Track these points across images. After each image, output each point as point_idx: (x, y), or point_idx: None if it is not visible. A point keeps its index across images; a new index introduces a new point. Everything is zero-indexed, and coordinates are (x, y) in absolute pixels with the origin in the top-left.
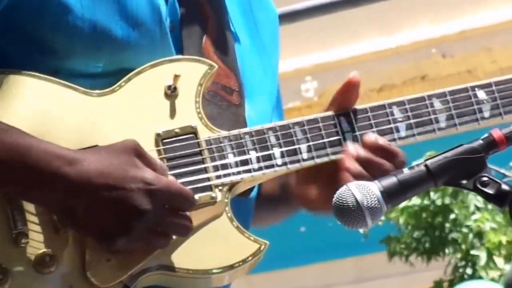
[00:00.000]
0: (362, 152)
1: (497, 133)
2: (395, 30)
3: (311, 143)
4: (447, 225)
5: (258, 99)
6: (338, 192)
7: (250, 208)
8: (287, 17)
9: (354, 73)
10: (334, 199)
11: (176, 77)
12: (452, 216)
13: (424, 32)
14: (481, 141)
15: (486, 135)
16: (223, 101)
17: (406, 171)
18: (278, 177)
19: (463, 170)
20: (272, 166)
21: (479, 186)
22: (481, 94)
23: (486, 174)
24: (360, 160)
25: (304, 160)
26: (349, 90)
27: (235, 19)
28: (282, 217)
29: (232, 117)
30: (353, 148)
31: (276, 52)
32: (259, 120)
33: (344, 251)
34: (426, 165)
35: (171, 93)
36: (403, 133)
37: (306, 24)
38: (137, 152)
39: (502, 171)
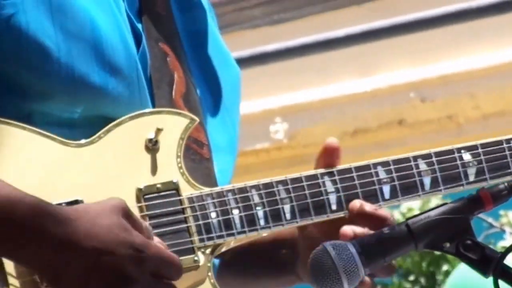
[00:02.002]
0: (359, 230)
1: (483, 193)
2: (371, 72)
3: (294, 203)
4: (439, 277)
5: (223, 154)
6: (313, 252)
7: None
8: (258, 59)
9: (331, 139)
10: (309, 259)
11: (158, 130)
12: (444, 267)
13: (403, 75)
14: (466, 201)
15: (472, 194)
16: (195, 155)
17: (386, 231)
18: None
19: (446, 232)
20: (255, 226)
21: (462, 250)
22: (467, 156)
23: (470, 237)
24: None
25: (287, 221)
26: (328, 154)
27: (196, 73)
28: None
29: (205, 171)
30: (349, 229)
31: (237, 107)
32: (222, 177)
33: None
34: (407, 225)
35: (152, 146)
36: (387, 195)
37: (277, 65)
38: (125, 213)
39: (489, 220)
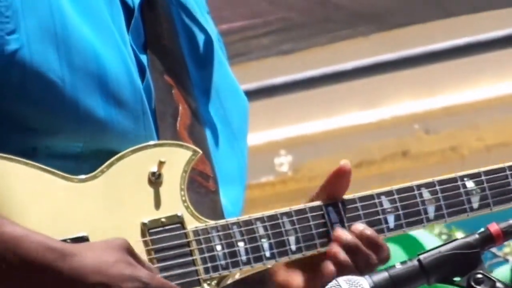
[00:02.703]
0: (351, 238)
1: (494, 228)
2: (376, 104)
3: (299, 234)
4: None
5: (231, 186)
6: (327, 287)
7: None
8: (265, 92)
9: (344, 161)
10: None
11: (161, 163)
12: None
13: (407, 106)
14: (477, 236)
15: (482, 229)
16: (201, 187)
17: (398, 266)
18: None
19: (457, 266)
20: (260, 258)
21: (473, 284)
22: (470, 184)
23: (481, 271)
24: (348, 247)
25: (292, 252)
26: (339, 178)
27: (203, 104)
28: None
29: (210, 204)
30: (342, 233)
31: (245, 136)
32: (233, 208)
33: None
34: (419, 260)
35: (155, 180)
36: (392, 225)
37: (282, 97)
38: (129, 251)
39: (493, 250)
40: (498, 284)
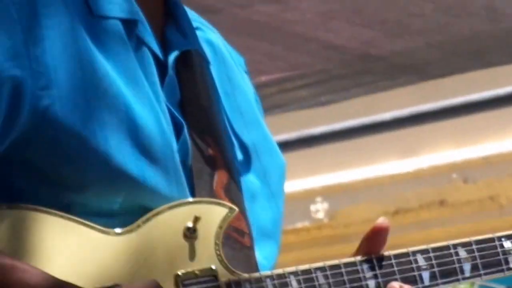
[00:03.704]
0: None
1: None
2: (414, 154)
3: (333, 284)
4: None
5: (267, 241)
6: None
7: None
8: (303, 142)
9: (382, 219)
10: None
11: (196, 219)
12: None
13: (446, 156)
14: None
15: None
16: (236, 243)
17: None
18: None
19: None
20: None
21: None
22: (508, 244)
23: None
24: None
25: None
26: (377, 235)
27: (242, 162)
28: None
29: (245, 259)
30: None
31: (282, 196)
32: (267, 262)
33: None
34: None
35: (191, 234)
36: (427, 282)
37: (320, 147)
38: None
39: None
40: None
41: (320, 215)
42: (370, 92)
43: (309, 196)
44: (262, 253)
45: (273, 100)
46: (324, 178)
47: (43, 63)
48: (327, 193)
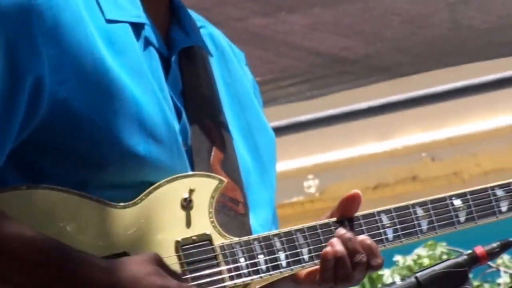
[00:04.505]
0: (350, 234)
1: (479, 250)
2: (390, 137)
3: (311, 247)
4: None
5: (261, 210)
6: None
7: None
8: (294, 127)
9: (355, 190)
10: None
11: (191, 191)
12: None
13: (416, 138)
14: (465, 257)
15: (469, 251)
16: (230, 211)
17: (398, 282)
18: None
19: (449, 283)
20: (277, 267)
21: None
22: (457, 202)
23: (469, 287)
24: (346, 243)
25: (305, 261)
26: (350, 203)
27: (239, 141)
28: None
29: (239, 225)
30: (343, 230)
31: (274, 168)
32: (261, 229)
33: None
34: (416, 277)
35: (187, 205)
36: (390, 237)
37: (309, 132)
38: (159, 263)
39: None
40: None
41: (312, 190)
42: (349, 88)
43: (302, 174)
44: (258, 221)
45: (268, 95)
46: (314, 158)
47: (60, 62)
48: (318, 171)
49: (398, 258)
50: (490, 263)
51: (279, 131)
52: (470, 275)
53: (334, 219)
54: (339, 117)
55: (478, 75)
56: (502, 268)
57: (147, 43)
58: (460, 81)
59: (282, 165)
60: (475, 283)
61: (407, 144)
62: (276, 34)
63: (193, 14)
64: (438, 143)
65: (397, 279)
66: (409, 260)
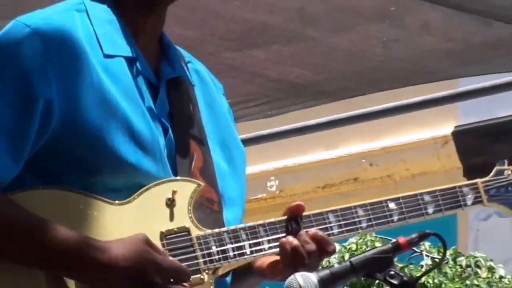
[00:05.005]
0: (304, 233)
1: (402, 240)
2: (335, 146)
3: (270, 237)
4: None
5: (232, 208)
6: (288, 279)
7: (226, 285)
8: (259, 139)
9: (298, 203)
10: (285, 284)
11: (174, 192)
12: None
13: (357, 147)
14: (390, 245)
15: (394, 240)
16: (206, 209)
17: (336, 265)
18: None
19: (376, 266)
20: (243, 254)
21: (387, 278)
22: (392, 205)
23: (393, 269)
24: (299, 236)
25: (265, 250)
26: (296, 210)
27: (216, 152)
28: (253, 286)
29: (213, 220)
30: (296, 226)
31: (244, 173)
32: (234, 222)
33: None
34: (350, 262)
35: (170, 203)
36: (336, 232)
37: (272, 143)
38: (147, 242)
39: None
40: (404, 278)
41: (273, 189)
42: (301, 108)
43: (265, 176)
44: (230, 216)
45: (237, 114)
46: (275, 164)
47: (66, 87)
48: (278, 174)
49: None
50: (415, 248)
51: (247, 142)
52: (396, 259)
53: (288, 217)
54: (294, 131)
55: (406, 98)
56: (424, 253)
57: (138, 74)
58: (392, 102)
59: (250, 169)
60: (403, 265)
61: (349, 152)
62: (243, 65)
63: (182, 51)
64: (375, 152)
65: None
66: (341, 246)
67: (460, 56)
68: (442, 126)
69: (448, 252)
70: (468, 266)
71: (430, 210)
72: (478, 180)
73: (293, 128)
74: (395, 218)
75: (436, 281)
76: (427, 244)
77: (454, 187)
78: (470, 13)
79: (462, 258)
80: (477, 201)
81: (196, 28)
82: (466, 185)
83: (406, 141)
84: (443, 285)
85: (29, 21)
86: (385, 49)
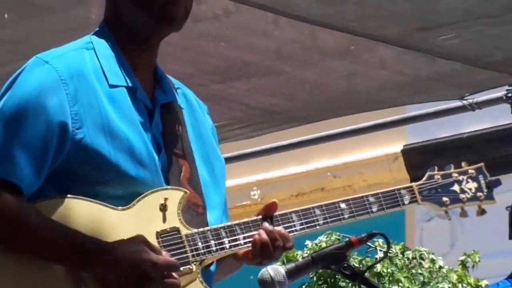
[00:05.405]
0: (271, 227)
1: (353, 238)
2: (306, 162)
3: (245, 235)
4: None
5: (214, 210)
6: (260, 272)
7: (211, 274)
8: (242, 157)
9: (274, 200)
10: (258, 275)
11: (166, 199)
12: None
13: (323, 163)
14: (344, 243)
15: (347, 239)
16: (193, 212)
17: (300, 260)
18: None
19: (333, 259)
20: (223, 249)
21: (341, 269)
22: (343, 205)
23: (346, 262)
24: (268, 234)
25: (241, 245)
26: (270, 208)
27: (200, 165)
28: (231, 271)
29: (199, 221)
30: (267, 224)
31: (224, 182)
32: (215, 222)
33: None
34: (312, 256)
35: (163, 208)
36: (298, 228)
37: (254, 160)
38: (145, 242)
39: (369, 243)
40: (355, 269)
41: (256, 197)
42: (276, 130)
43: (249, 186)
44: (212, 218)
45: (223, 135)
46: (257, 176)
47: (78, 114)
48: (259, 184)
49: (307, 242)
50: (370, 244)
51: (233, 159)
52: (356, 253)
53: (260, 217)
54: (271, 150)
55: (364, 122)
56: (378, 248)
57: (137, 101)
58: (351, 126)
59: (236, 181)
60: (361, 258)
61: (317, 167)
62: (227, 95)
63: (172, 79)
64: (338, 166)
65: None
66: (313, 244)
67: (409, 87)
68: (393, 145)
69: (398, 247)
70: (414, 258)
71: (374, 209)
72: (413, 184)
73: (270, 147)
74: (346, 216)
75: (388, 270)
76: (380, 241)
77: (393, 190)
78: (418, 51)
79: (409, 252)
80: (413, 200)
81: (188, 65)
82: (404, 188)
83: (363, 157)
84: (394, 274)
85: (46, 58)
86: (346, 81)
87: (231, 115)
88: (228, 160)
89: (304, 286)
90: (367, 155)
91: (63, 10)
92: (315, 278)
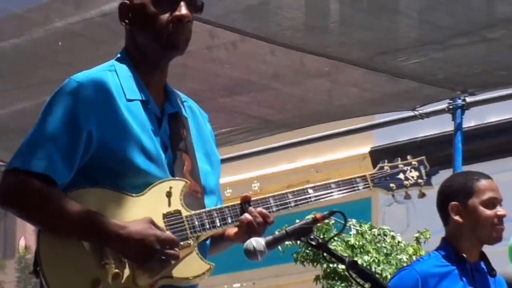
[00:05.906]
0: (254, 210)
1: (318, 216)
2: (293, 161)
3: (232, 214)
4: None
5: (211, 195)
6: (245, 242)
7: (206, 247)
8: (239, 157)
9: (246, 194)
10: (243, 246)
11: (170, 187)
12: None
13: (307, 161)
14: (310, 219)
15: (312, 215)
16: (193, 197)
17: (277, 233)
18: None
19: (302, 233)
20: (215, 227)
21: (309, 241)
22: (310, 191)
23: (312, 235)
24: (251, 214)
25: (229, 223)
26: (246, 198)
27: (202, 159)
28: (224, 248)
29: (198, 205)
30: (251, 208)
31: (219, 172)
32: (212, 205)
33: (267, 261)
34: (286, 230)
35: (168, 194)
36: (274, 209)
37: (253, 159)
38: (151, 222)
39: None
40: (320, 241)
41: (256, 188)
42: (269, 135)
43: (250, 180)
44: (210, 202)
45: (227, 139)
46: (257, 172)
47: (101, 121)
48: (259, 179)
49: (297, 221)
50: (344, 222)
51: (235, 158)
52: (334, 230)
53: (243, 202)
54: (267, 151)
55: (339, 128)
56: (352, 226)
57: (149, 111)
58: (330, 131)
59: (240, 176)
60: (337, 232)
61: (303, 164)
62: (232, 106)
63: (181, 94)
64: (319, 164)
65: None
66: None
67: (376, 101)
68: (363, 147)
69: (366, 226)
70: (379, 234)
71: (335, 193)
72: (366, 173)
73: (266, 148)
74: (313, 199)
75: (360, 243)
76: (354, 220)
77: (350, 179)
78: (383, 72)
79: (375, 229)
80: (366, 186)
81: (202, 83)
82: (359, 177)
83: (339, 157)
84: (364, 246)
85: (77, 78)
86: (325, 96)
87: (235, 123)
88: (233, 159)
89: (295, 254)
90: (342, 155)
91: (110, 43)
92: (303, 249)
